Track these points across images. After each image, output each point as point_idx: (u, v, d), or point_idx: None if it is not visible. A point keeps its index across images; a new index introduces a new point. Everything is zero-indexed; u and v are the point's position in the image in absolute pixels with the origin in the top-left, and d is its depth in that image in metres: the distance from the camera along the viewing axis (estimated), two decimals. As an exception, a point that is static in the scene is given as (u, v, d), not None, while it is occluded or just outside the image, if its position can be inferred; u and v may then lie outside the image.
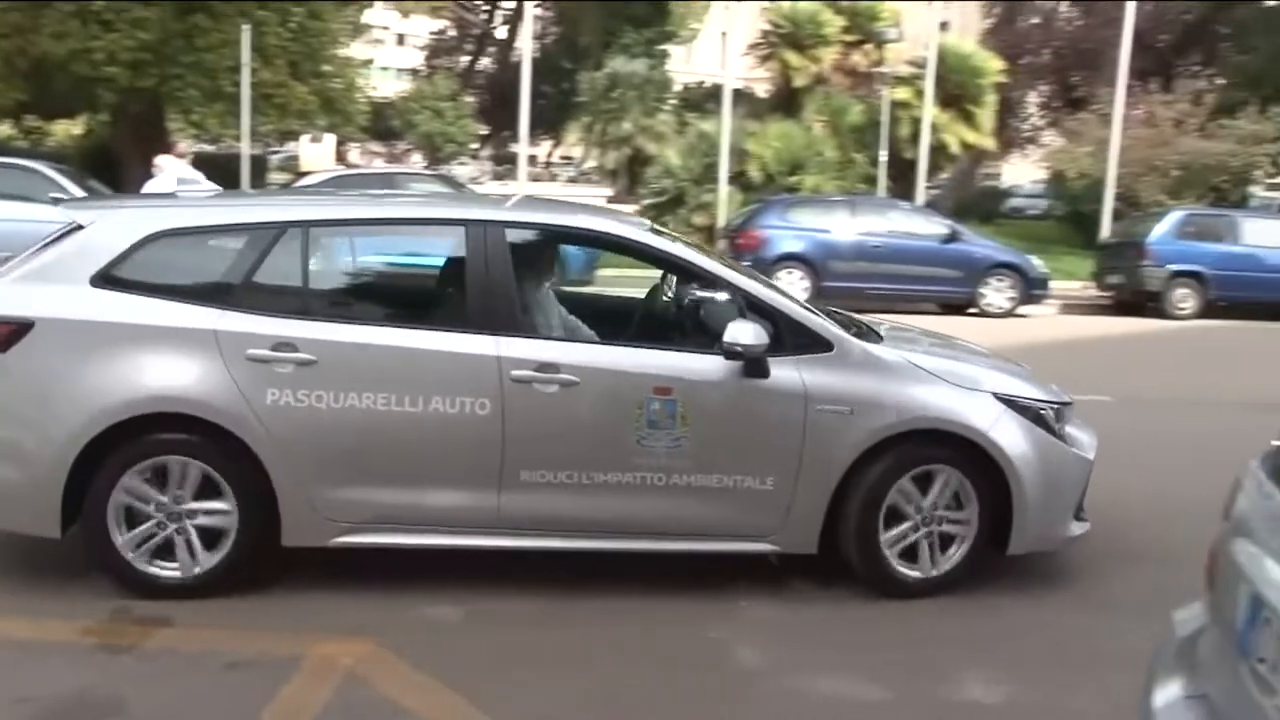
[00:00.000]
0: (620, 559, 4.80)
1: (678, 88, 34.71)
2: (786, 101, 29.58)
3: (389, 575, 4.70)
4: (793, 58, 29.79)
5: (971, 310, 16.47)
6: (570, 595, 4.63)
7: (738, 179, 22.35)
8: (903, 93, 26.63)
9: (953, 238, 16.90)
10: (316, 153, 38.89)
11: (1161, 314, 16.91)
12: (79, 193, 13.56)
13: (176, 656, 3.98)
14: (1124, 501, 5.87)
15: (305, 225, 4.65)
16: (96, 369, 4.28)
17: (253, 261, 4.55)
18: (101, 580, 4.43)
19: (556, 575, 4.77)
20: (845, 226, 16.66)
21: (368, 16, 45.28)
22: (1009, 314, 16.33)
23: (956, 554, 4.74)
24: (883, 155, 24.25)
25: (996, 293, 16.59)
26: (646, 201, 23.66)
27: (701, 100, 34.95)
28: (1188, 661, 2.51)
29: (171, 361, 4.32)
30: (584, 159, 35.91)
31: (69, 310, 4.34)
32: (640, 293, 6.01)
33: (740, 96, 33.43)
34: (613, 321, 5.23)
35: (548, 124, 44.38)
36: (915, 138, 24.21)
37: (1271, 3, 28.73)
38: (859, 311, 5.94)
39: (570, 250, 14.71)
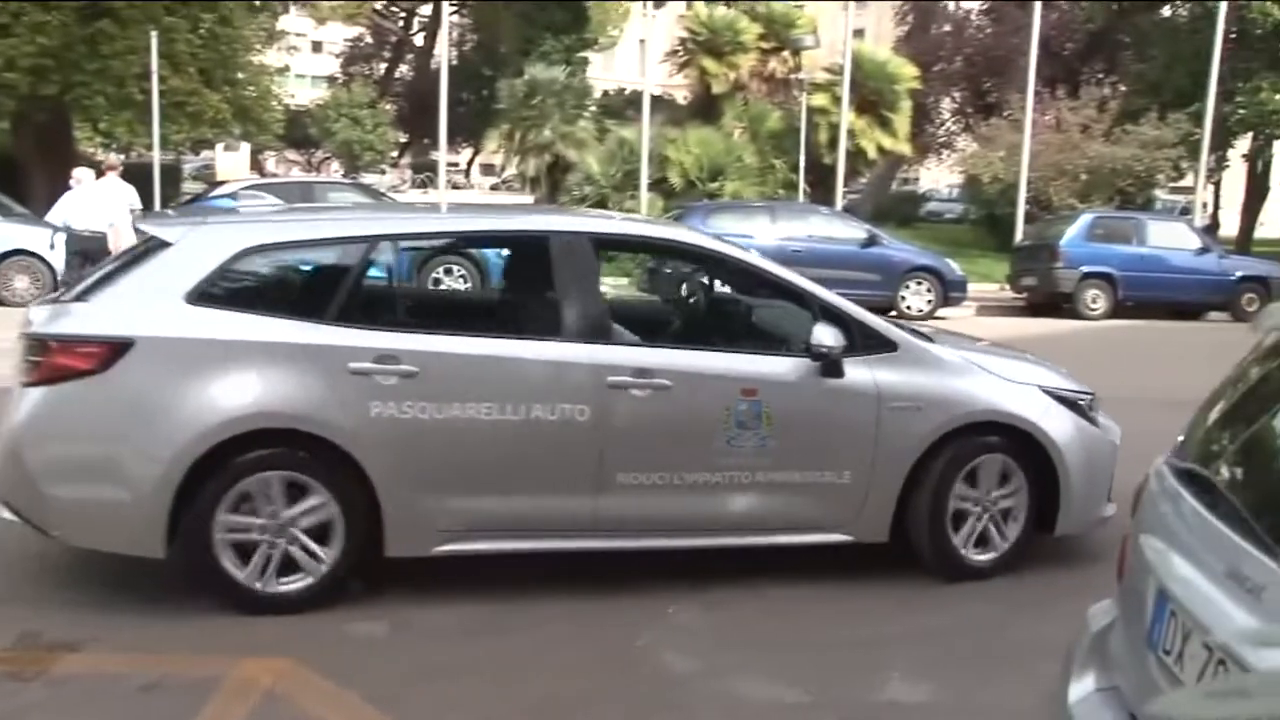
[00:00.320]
0: (549, 568, 4.79)
1: (597, 95, 34.70)
2: (706, 108, 29.78)
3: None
4: (711, 64, 30.01)
5: (891, 313, 16.71)
6: (494, 606, 4.59)
7: (658, 185, 22.43)
8: (820, 99, 26.98)
9: (872, 242, 17.16)
10: (232, 162, 38.15)
11: (1074, 314, 17.35)
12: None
13: (88, 682, 3.86)
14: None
15: (394, 239, 4.74)
16: (200, 386, 4.25)
17: (346, 275, 4.58)
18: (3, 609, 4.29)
19: (479, 586, 4.73)
20: (766, 232, 16.81)
21: (282, 23, 44.59)
22: (928, 316, 16.63)
23: (1012, 535, 5.05)
24: (801, 161, 24.54)
25: (916, 295, 16.89)
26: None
27: (621, 107, 35.02)
28: (1100, 655, 2.57)
29: (275, 377, 4.31)
30: (504, 166, 35.74)
31: (167, 328, 4.30)
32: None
33: (660, 103, 33.59)
34: (689, 325, 5.47)
35: (468, 131, 44.11)
36: (833, 143, 24.53)
37: (1168, 13, 29.64)
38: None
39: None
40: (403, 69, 53.92)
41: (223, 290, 4.44)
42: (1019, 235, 20.96)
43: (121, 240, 13.52)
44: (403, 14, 52.20)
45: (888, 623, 4.61)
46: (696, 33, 30.73)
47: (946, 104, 38.81)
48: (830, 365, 4.68)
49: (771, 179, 25.26)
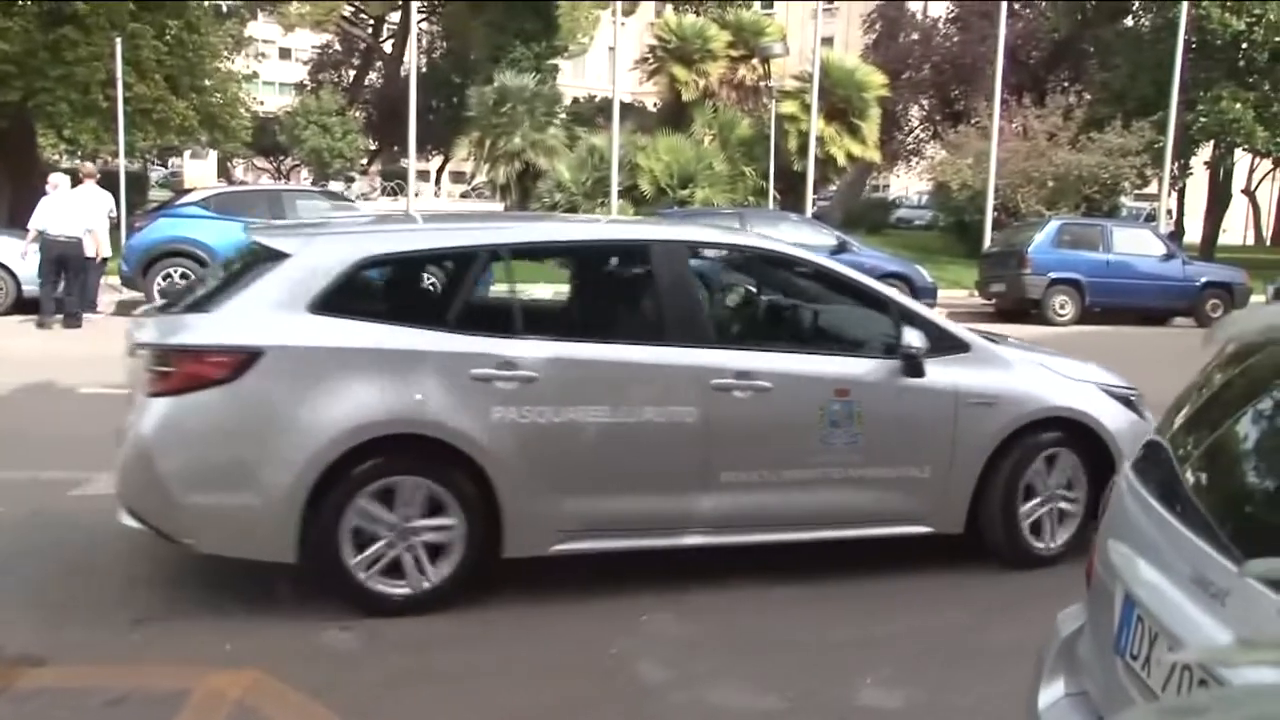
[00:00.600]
0: (518, 574, 4.77)
1: (568, 102, 34.75)
2: (676, 115, 29.87)
3: (274, 601, 4.58)
4: (680, 72, 30.10)
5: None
6: (466, 615, 4.57)
7: (629, 193, 22.48)
8: (789, 106, 27.13)
9: (842, 248, 17.23)
10: (199, 169, 37.89)
11: (1042, 320, 17.50)
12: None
13: (53, 696, 3.80)
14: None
15: (506, 249, 4.93)
16: (329, 394, 4.34)
17: (462, 284, 4.79)
18: (-30, 620, 4.24)
19: (446, 593, 4.71)
20: (736, 239, 16.82)
21: (250, 30, 44.33)
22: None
23: (1073, 524, 5.29)
24: (771, 168, 24.63)
25: (885, 302, 16.93)
26: (539, 216, 23.62)
27: (591, 114, 35.09)
28: (1069, 660, 2.59)
29: (402, 384, 4.41)
30: (474, 173, 35.67)
31: (294, 337, 4.37)
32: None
33: (630, 110, 33.66)
34: (783, 329, 5.70)
35: (437, 139, 44.11)
36: (803, 150, 24.66)
37: (1130, 23, 30.01)
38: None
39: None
40: (372, 76, 53.77)
41: (344, 300, 4.53)
42: (987, 242, 21.14)
43: (102, 247, 13.58)
44: (372, 21, 52.03)
45: (863, 626, 4.62)
46: (666, 40, 30.83)
47: (915, 111, 39.15)
48: (913, 366, 4.94)
49: (742, 186, 25.38)
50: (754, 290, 5.90)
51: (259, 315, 4.41)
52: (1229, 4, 24.42)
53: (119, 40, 19.71)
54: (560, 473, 4.58)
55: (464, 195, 43.54)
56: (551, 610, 4.66)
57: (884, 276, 17.01)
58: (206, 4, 28.68)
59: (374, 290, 4.80)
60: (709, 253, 5.36)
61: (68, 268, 13.19)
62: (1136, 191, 29.74)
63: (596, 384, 4.62)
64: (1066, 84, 30.52)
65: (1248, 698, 1.08)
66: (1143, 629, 2.19)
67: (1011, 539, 5.20)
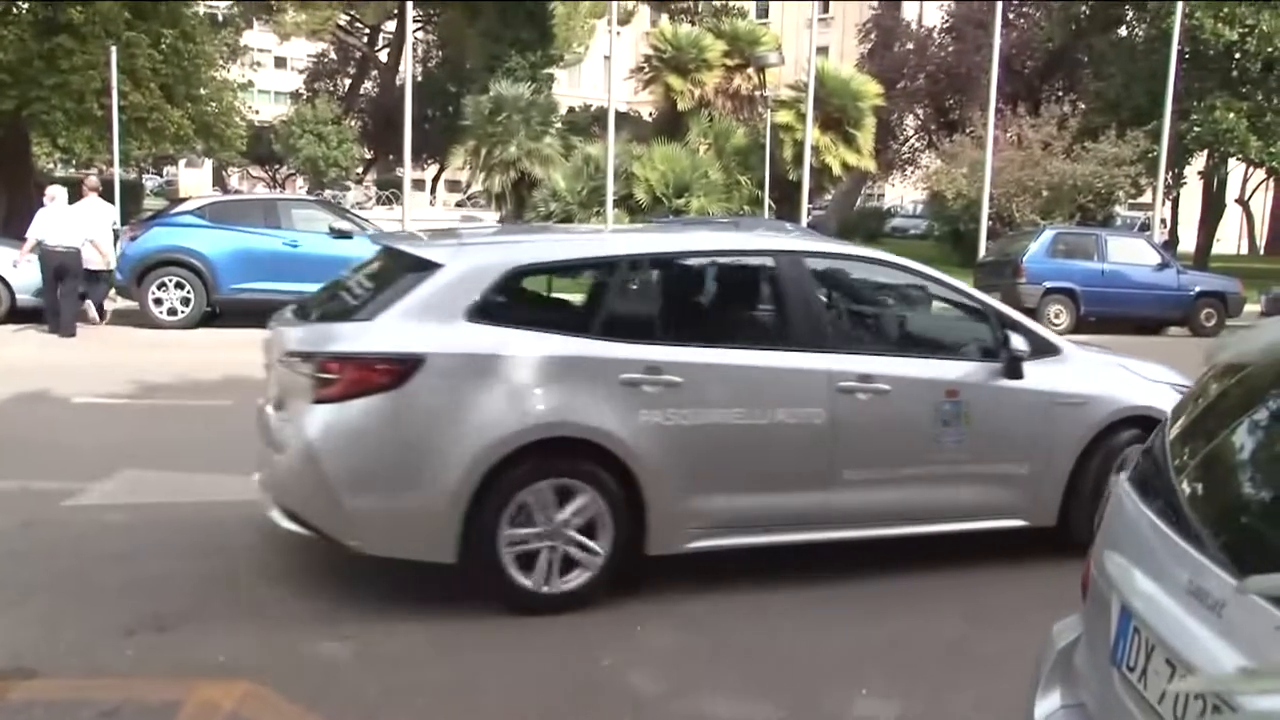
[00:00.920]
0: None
1: (563, 111, 34.77)
2: (671, 124, 29.91)
3: (265, 610, 4.57)
4: (676, 81, 30.16)
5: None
6: (458, 625, 4.55)
7: (624, 202, 22.49)
8: (784, 116, 27.19)
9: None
10: (194, 178, 37.91)
11: (1036, 329, 17.48)
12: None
13: (44, 708, 3.77)
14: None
15: (644, 259, 5.17)
16: (488, 399, 4.51)
17: (607, 293, 5.04)
18: (-40, 631, 4.21)
19: (443, 606, 4.69)
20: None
21: (246, 39, 44.40)
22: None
23: None
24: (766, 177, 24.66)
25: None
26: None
27: (587, 123, 35.14)
28: (1066, 672, 2.58)
29: (557, 389, 4.61)
30: (470, 183, 35.69)
31: (453, 345, 4.55)
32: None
33: (625, 119, 33.71)
34: (896, 334, 5.96)
35: (433, 148, 44.06)
36: (798, 160, 24.71)
37: (1124, 33, 30.10)
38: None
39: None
40: (367, 85, 53.78)
41: (497, 308, 4.71)
42: (982, 251, 21.17)
43: (109, 258, 13.72)
44: (367, 30, 52.06)
45: (858, 634, 4.61)
46: (662, 50, 30.88)
47: (910, 121, 39.25)
48: (1014, 368, 5.25)
49: (737, 195, 25.41)
50: (867, 297, 6.12)
51: (419, 323, 4.57)
52: (1221, 14, 24.50)
53: (114, 49, 19.71)
54: (699, 472, 4.77)
55: (459, 204, 43.52)
56: (545, 621, 4.63)
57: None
58: (202, 13, 28.72)
59: (524, 299, 5.01)
60: (825, 261, 5.59)
61: (67, 278, 13.32)
62: (1131, 201, 29.80)
63: (734, 387, 4.85)
64: (1061, 93, 30.64)
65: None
66: (1139, 640, 2.18)
67: None
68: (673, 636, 4.56)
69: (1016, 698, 2.71)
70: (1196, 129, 24.98)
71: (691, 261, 5.60)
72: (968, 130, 27.97)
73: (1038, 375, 5.33)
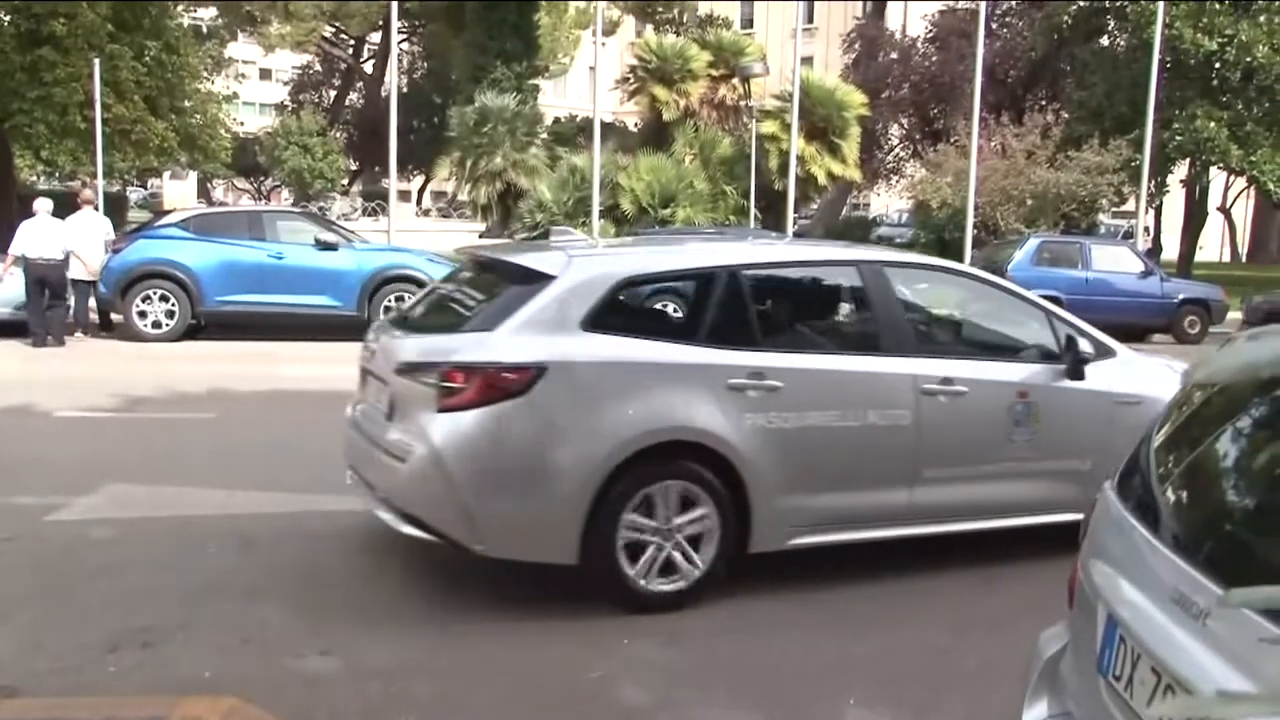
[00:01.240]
0: (500, 599, 4.73)
1: (548, 122, 34.79)
2: (657, 135, 29.93)
3: (250, 625, 4.54)
4: (661, 91, 30.19)
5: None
6: (445, 639, 4.53)
7: (610, 212, 22.49)
8: (770, 126, 27.23)
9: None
10: (179, 190, 37.79)
11: (1021, 337, 17.54)
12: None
13: (24, 727, 3.74)
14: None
15: (741, 268, 5.27)
16: (608, 405, 4.69)
17: (710, 301, 5.16)
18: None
19: (430, 619, 4.67)
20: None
21: (230, 51, 44.32)
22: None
23: None
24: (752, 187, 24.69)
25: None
26: (520, 236, 23.58)
27: (573, 134, 35.15)
28: (1053, 681, 2.58)
29: (670, 394, 4.80)
30: (456, 193, 35.67)
31: (572, 353, 4.71)
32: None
33: (611, 130, 33.74)
34: (967, 338, 6.19)
35: (419, 159, 44.09)
36: (783, 169, 24.74)
37: (1106, 43, 30.26)
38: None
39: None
40: (353, 97, 53.76)
41: (609, 317, 4.89)
42: (968, 259, 21.20)
43: (93, 269, 13.78)
44: (352, 42, 52.03)
45: (845, 645, 4.60)
46: (647, 60, 30.91)
47: (895, 130, 39.31)
48: (1077, 370, 5.54)
49: (723, 205, 25.42)
50: (941, 303, 6.35)
51: (538, 333, 4.73)
52: (1201, 25, 24.66)
53: (97, 61, 19.63)
54: (798, 472, 4.98)
55: (444, 215, 43.48)
56: (532, 634, 4.62)
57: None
58: (186, 25, 28.68)
59: (634, 308, 5.18)
60: (902, 270, 5.79)
61: (49, 289, 13.40)
62: (1114, 209, 29.92)
63: (829, 391, 5.10)
64: (1044, 103, 30.72)
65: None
66: (1125, 649, 2.18)
67: None
68: (660, 648, 4.54)
69: (1004, 707, 2.70)
70: (1178, 138, 25.10)
71: (786, 271, 5.89)
72: (952, 139, 28.05)
73: (1097, 376, 5.61)
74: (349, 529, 5.99)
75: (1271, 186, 25.76)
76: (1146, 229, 28.80)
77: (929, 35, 37.71)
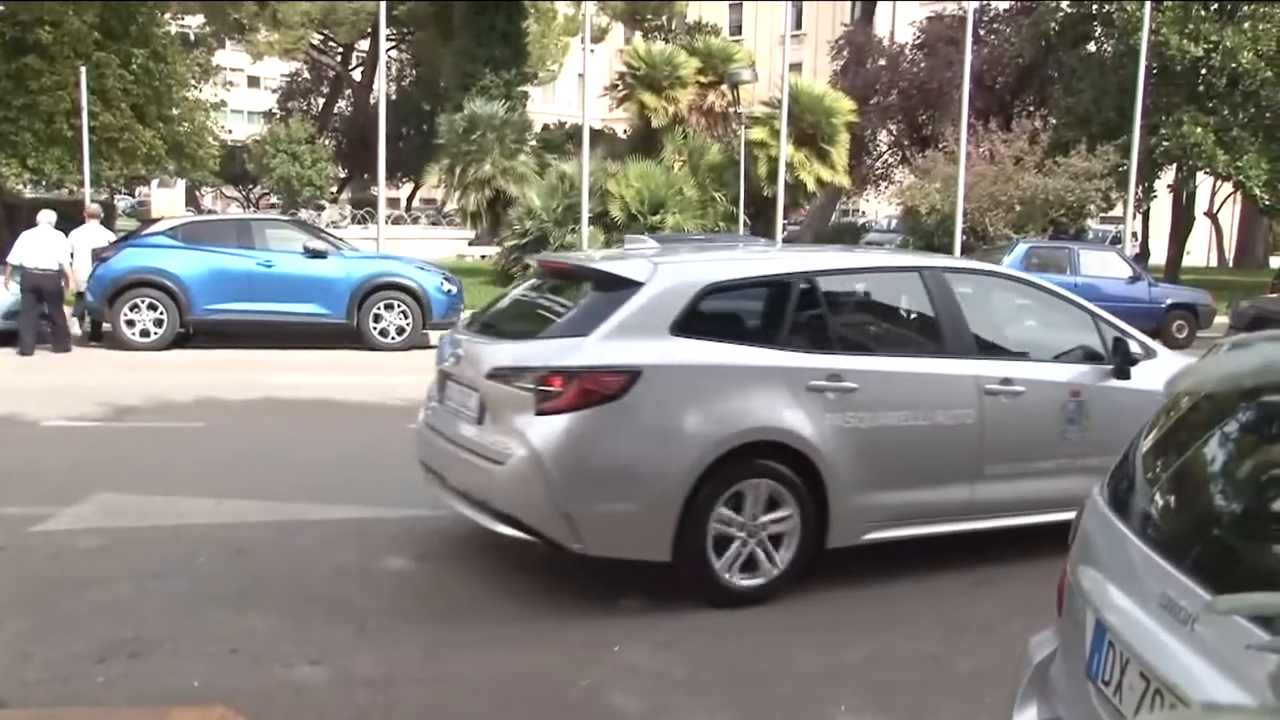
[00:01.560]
0: (488, 604, 4.72)
1: (537, 129, 34.77)
2: (646, 141, 29.92)
3: (239, 634, 4.52)
4: (650, 98, 30.20)
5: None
6: (432, 649, 4.52)
7: (600, 219, 22.46)
8: (758, 132, 27.26)
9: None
10: (168, 198, 37.63)
11: (1010, 342, 17.59)
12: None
13: (12, 739, 3.73)
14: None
15: (816, 275, 5.49)
16: (699, 407, 4.88)
17: (787, 306, 5.34)
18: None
19: (418, 627, 4.66)
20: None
21: (218, 58, 44.26)
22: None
23: None
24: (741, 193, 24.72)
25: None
26: (510, 243, 23.56)
27: (561, 141, 35.15)
28: (1042, 686, 2.58)
29: (757, 396, 4.99)
30: (445, 201, 35.64)
31: (664, 357, 4.91)
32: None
33: (600, 137, 33.75)
34: (1020, 340, 6.30)
35: (407, 166, 44.06)
36: (772, 176, 24.77)
37: (1093, 49, 30.38)
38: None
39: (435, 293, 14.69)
40: (341, 104, 53.72)
41: (695, 322, 5.06)
42: (956, 265, 21.22)
43: (77, 280, 13.96)
44: (341, 49, 52.01)
45: (835, 653, 4.60)
46: (635, 67, 30.92)
47: (883, 136, 39.41)
48: (1123, 369, 5.77)
49: (712, 211, 25.42)
50: (999, 307, 6.48)
51: (631, 338, 4.91)
52: (1186, 31, 24.80)
53: (83, 69, 19.58)
54: (872, 470, 5.17)
55: (433, 223, 43.44)
56: (522, 642, 4.61)
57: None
58: (173, 32, 28.62)
59: (718, 313, 5.28)
60: (961, 275, 6.00)
61: (45, 299, 13.57)
62: (1102, 214, 30.04)
63: (900, 392, 5.31)
64: (1032, 108, 30.84)
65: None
66: (1114, 654, 2.18)
67: None
68: (651, 656, 4.53)
69: (994, 712, 2.70)
70: (1165, 143, 25.21)
71: (855, 277, 6.05)
72: (940, 145, 28.12)
73: (1141, 375, 5.75)
74: (338, 538, 5.98)
75: (1258, 191, 25.90)
76: (1134, 234, 28.92)
77: (917, 41, 37.83)
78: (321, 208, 41.99)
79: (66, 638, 4.47)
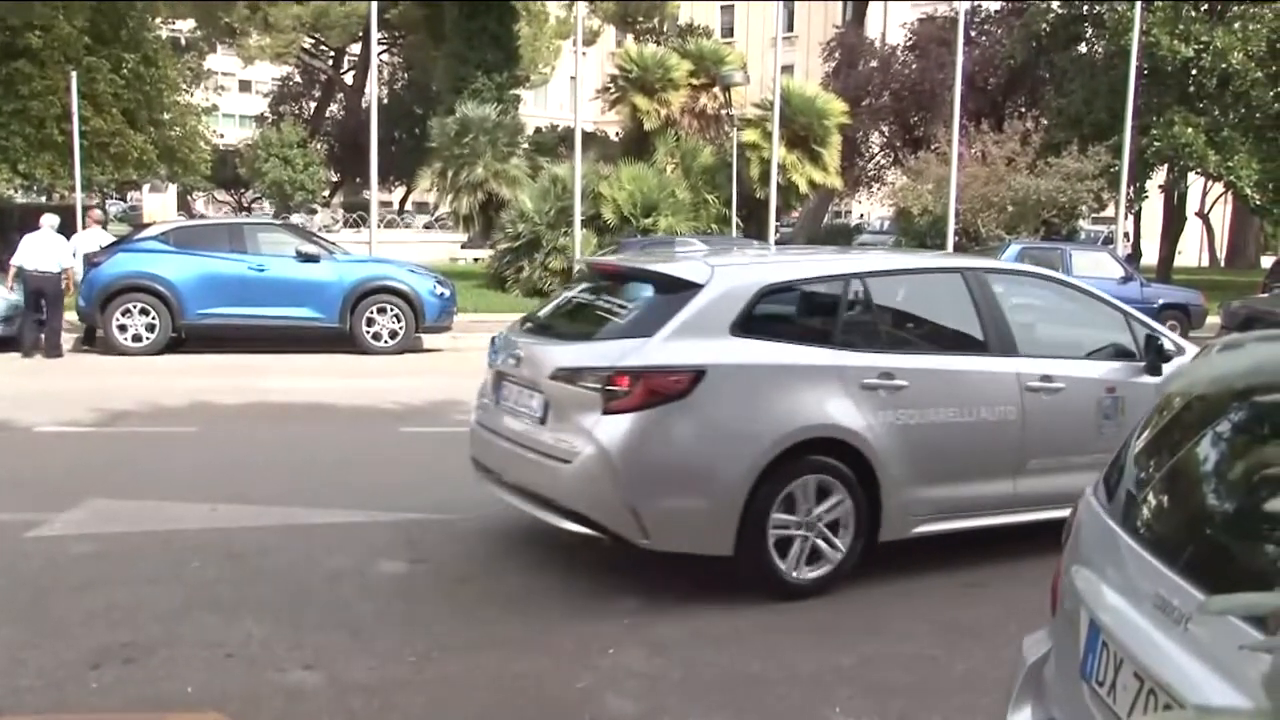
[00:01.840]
0: (481, 609, 4.71)
1: (530, 132, 34.77)
2: (638, 144, 29.90)
3: (233, 639, 4.51)
4: (642, 101, 30.18)
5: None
6: (427, 653, 4.51)
7: (592, 222, 22.44)
8: (751, 134, 27.27)
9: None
10: (160, 203, 37.59)
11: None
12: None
13: (5, 746, 3.71)
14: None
15: (866, 276, 5.65)
16: (761, 405, 5.03)
17: (839, 306, 5.51)
18: (-81, 668, 4.12)
19: (412, 630, 4.65)
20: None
21: (209, 63, 44.17)
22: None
23: None
24: (734, 196, 24.72)
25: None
26: (502, 246, 23.54)
27: (554, 144, 35.10)
28: (1036, 686, 2.58)
29: (815, 394, 5.14)
30: (437, 204, 35.61)
31: (727, 356, 5.05)
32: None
33: (592, 139, 33.73)
34: (1056, 338, 6.41)
35: (400, 170, 43.96)
36: (765, 178, 24.76)
37: (1084, 50, 30.46)
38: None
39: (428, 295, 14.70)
40: (333, 108, 53.64)
41: (754, 323, 5.20)
42: (948, 266, 21.25)
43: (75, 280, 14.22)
44: (332, 53, 51.93)
45: (829, 655, 4.60)
46: (627, 70, 30.90)
47: (875, 138, 39.45)
48: (1155, 366, 5.92)
49: (705, 214, 25.40)
50: (1037, 306, 6.54)
51: (694, 338, 5.04)
52: (1177, 32, 24.87)
53: (74, 74, 19.52)
54: (921, 465, 5.31)
55: (426, 226, 43.39)
56: (517, 646, 4.61)
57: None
58: (164, 37, 28.57)
59: (774, 314, 5.41)
60: (1001, 276, 6.16)
61: (47, 301, 13.75)
62: (1094, 215, 30.11)
63: (947, 389, 5.47)
64: (1024, 109, 30.89)
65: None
66: (1108, 654, 2.19)
67: None
68: (646, 659, 4.53)
69: (989, 713, 2.71)
70: (1156, 144, 25.27)
71: (904, 278, 6.16)
72: (932, 147, 28.17)
73: (1171, 371, 5.84)
74: (332, 542, 5.97)
75: (1248, 191, 25.97)
76: (1126, 234, 29.00)
77: (909, 43, 37.89)
78: (314, 211, 41.94)
79: (60, 644, 4.46)
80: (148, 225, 18.73)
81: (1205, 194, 40.78)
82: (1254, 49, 24.66)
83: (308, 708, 4.00)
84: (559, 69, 50.42)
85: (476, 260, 28.26)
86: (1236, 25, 24.85)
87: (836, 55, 39.45)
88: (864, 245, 39.21)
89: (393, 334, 14.74)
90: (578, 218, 20.71)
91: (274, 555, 5.78)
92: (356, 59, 50.38)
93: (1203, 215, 43.77)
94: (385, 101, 44.61)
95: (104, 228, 16.19)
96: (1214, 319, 19.44)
